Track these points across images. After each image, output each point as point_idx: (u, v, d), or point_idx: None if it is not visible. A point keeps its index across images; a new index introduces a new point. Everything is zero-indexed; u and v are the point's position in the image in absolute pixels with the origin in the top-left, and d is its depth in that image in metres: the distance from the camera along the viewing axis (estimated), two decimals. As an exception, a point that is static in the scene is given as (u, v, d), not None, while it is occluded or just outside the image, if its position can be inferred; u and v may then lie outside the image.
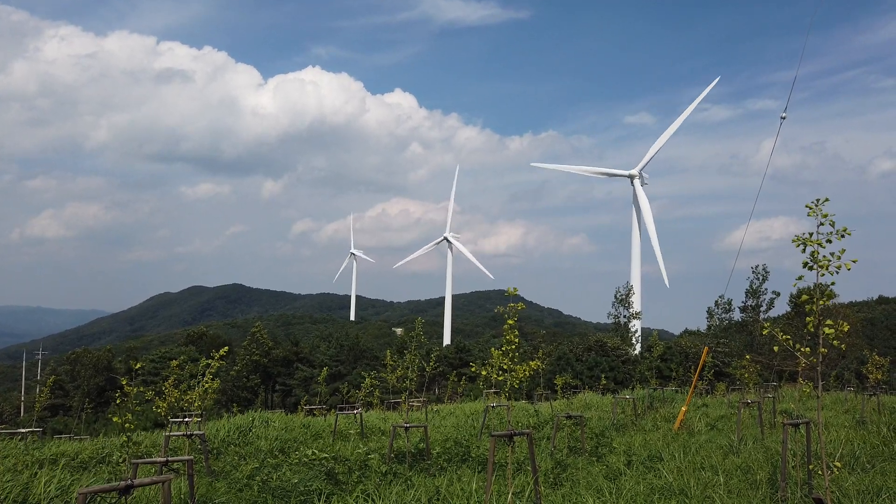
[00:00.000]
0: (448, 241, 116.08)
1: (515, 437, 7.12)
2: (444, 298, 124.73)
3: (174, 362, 8.93)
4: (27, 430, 15.55)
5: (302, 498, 7.94)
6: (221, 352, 8.83)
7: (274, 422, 13.92)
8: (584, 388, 32.78)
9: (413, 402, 18.26)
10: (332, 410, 19.46)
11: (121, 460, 10.04)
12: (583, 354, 50.12)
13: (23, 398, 60.97)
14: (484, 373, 7.45)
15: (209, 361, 8.79)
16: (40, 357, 79.85)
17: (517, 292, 7.61)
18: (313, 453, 9.61)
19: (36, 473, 6.80)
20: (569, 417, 12.42)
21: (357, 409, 15.74)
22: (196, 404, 8.95)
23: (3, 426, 24.40)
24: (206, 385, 8.99)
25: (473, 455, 10.44)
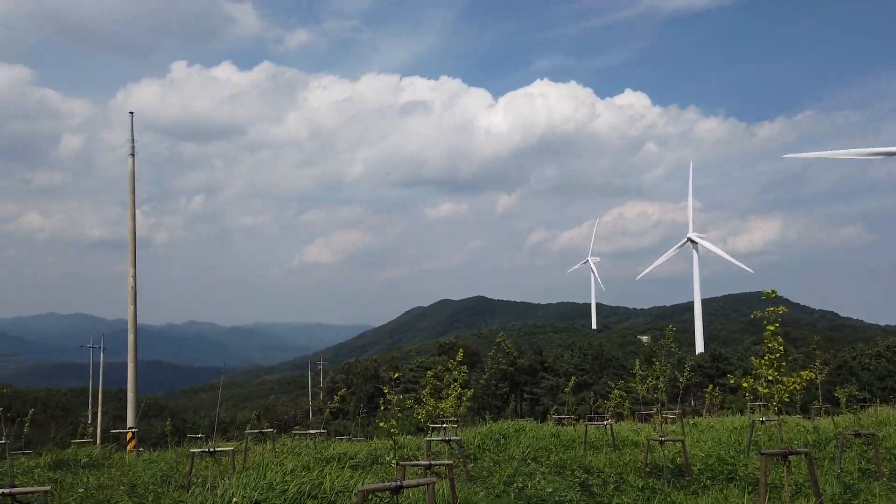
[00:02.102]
0: (692, 241, 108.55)
1: (791, 457, 6.32)
2: (691, 303, 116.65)
3: (430, 372, 9.57)
4: (315, 431, 17.89)
5: (557, 508, 7.93)
6: (459, 357, 9.33)
7: (526, 430, 14.18)
8: (876, 402, 28.14)
9: (667, 414, 17.29)
10: (581, 420, 19.24)
11: (391, 462, 11.02)
12: (870, 363, 43.16)
13: (310, 403, 70.39)
14: (746, 384, 6.76)
15: (456, 372, 9.27)
16: (321, 367, 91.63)
17: (775, 295, 6.79)
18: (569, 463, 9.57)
19: (323, 470, 7.75)
20: (857, 435, 10.71)
21: (607, 419, 15.36)
22: (450, 411, 9.48)
23: (297, 427, 28.41)
24: (457, 392, 9.50)
25: (741, 474, 9.51)
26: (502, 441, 13.13)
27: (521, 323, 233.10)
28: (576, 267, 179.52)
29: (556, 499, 8.13)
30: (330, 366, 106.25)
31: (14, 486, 4.92)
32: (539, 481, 8.94)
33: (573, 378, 23.01)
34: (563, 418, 21.20)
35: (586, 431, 13.72)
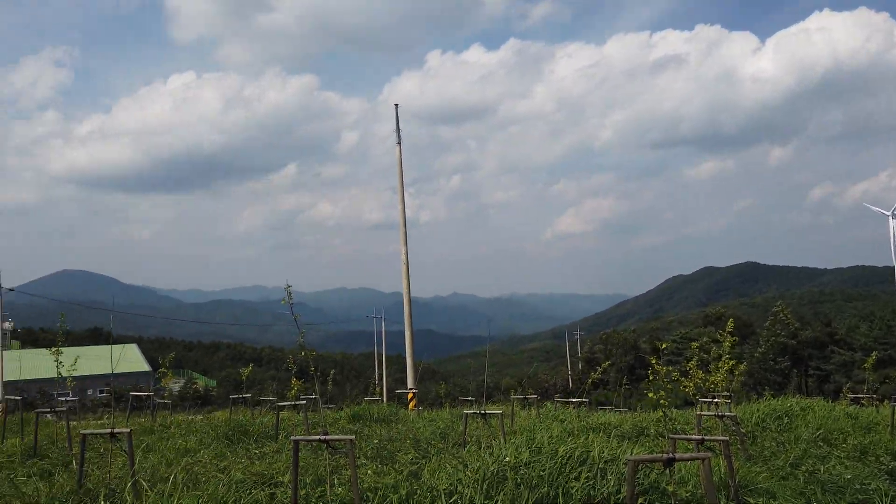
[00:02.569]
0: None
1: None
2: None
3: (694, 344, 9.01)
4: (577, 400, 18.05)
5: (859, 497, 6.95)
6: (728, 327, 8.58)
7: (814, 409, 12.65)
8: None
9: None
10: (885, 401, 16.60)
11: (658, 434, 10.67)
12: None
13: (570, 372, 71.19)
14: None
15: (726, 344, 8.58)
16: (578, 337, 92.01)
17: None
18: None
19: (588, 438, 7.80)
20: None
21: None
22: (721, 386, 8.83)
23: (557, 395, 28.99)
24: (728, 365, 8.80)
25: None
26: (785, 420, 11.88)
27: (803, 290, 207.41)
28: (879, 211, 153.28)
29: (857, 486, 7.12)
30: (587, 336, 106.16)
31: (327, 434, 5.78)
32: (834, 466, 7.92)
33: (874, 353, 19.84)
34: (861, 398, 18.46)
35: (894, 413, 11.76)
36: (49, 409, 12.34)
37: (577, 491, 5.47)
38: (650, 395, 5.89)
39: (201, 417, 16.94)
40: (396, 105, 28.60)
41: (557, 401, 19.93)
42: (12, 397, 14.82)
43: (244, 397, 16.38)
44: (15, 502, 6.63)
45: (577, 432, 9.21)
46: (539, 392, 34.35)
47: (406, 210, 27.73)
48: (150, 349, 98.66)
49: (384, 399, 29.80)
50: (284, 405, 13.08)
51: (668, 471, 5.18)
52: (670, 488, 5.34)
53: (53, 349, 8.58)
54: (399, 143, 27.93)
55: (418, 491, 5.53)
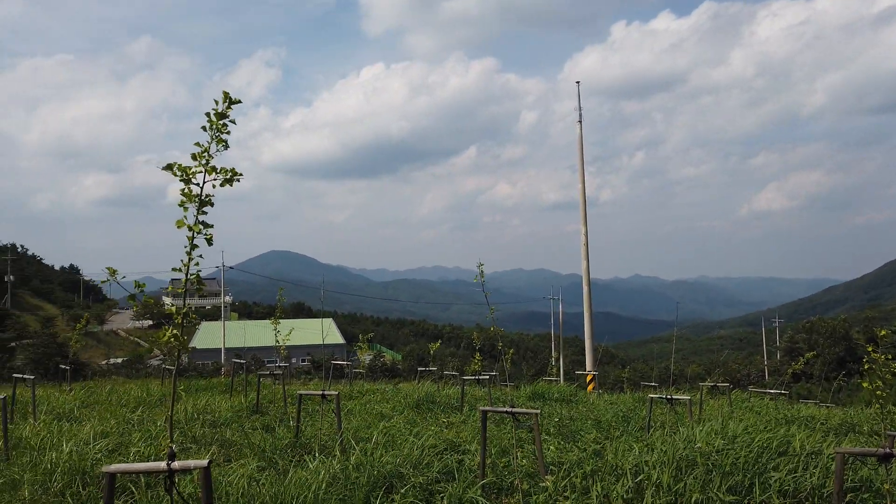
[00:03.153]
0: None
1: None
2: None
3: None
4: (775, 391, 16.71)
5: None
6: None
7: None
8: None
9: None
10: None
11: (872, 432, 9.59)
12: None
13: (766, 362, 65.60)
14: None
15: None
16: (777, 325, 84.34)
17: None
18: None
19: (789, 429, 7.26)
20: None
21: None
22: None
23: (751, 386, 26.95)
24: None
25: None
26: None
27: None
28: None
29: None
30: (787, 323, 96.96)
31: (514, 407, 6.02)
32: None
33: None
34: None
35: None
36: (269, 373, 14.08)
37: (775, 482, 5.16)
38: (864, 384, 5.35)
39: (391, 387, 18.22)
40: (578, 82, 28.16)
41: (751, 391, 18.59)
42: (238, 360, 17.06)
43: (430, 370, 17.33)
44: (245, 450, 7.73)
45: (773, 424, 8.58)
46: (731, 382, 32.20)
47: (586, 189, 27.30)
48: (344, 323, 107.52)
49: (561, 380, 29.77)
50: (468, 379, 13.67)
51: (883, 468, 4.70)
52: (886, 487, 4.83)
53: (273, 319, 9.79)
54: (580, 121, 27.52)
55: (603, 468, 5.56)
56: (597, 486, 5.13)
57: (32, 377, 11.37)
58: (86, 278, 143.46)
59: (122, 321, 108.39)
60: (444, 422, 10.03)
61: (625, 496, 4.93)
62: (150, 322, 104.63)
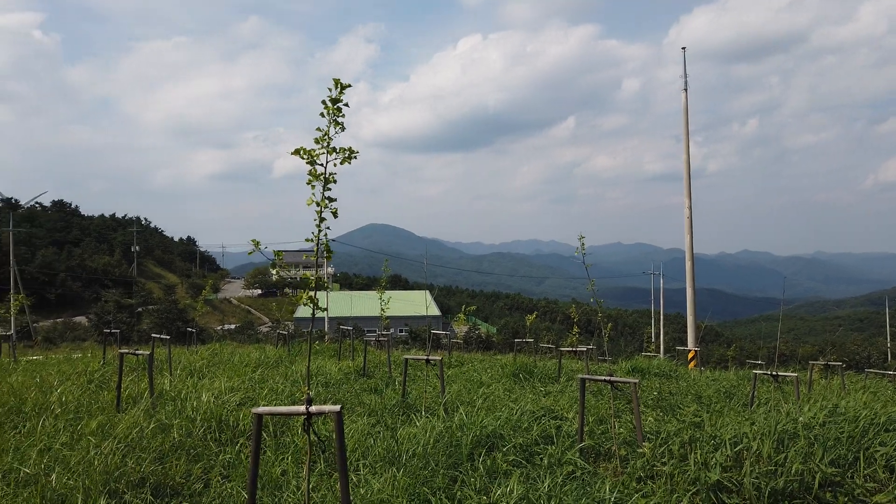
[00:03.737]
0: None
1: None
2: None
3: None
4: (893, 373, 15.78)
5: None
6: None
7: None
8: None
9: None
10: None
11: None
12: None
13: (888, 344, 61.09)
14: None
15: None
16: (902, 304, 77.98)
17: None
18: None
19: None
20: None
21: None
22: None
23: (870, 369, 25.37)
24: None
25: None
26: None
27: None
28: None
29: None
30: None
31: (612, 376, 6.19)
32: None
33: None
34: None
35: None
36: (375, 339, 14.88)
37: (881, 456, 5.06)
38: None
39: (488, 357, 18.66)
40: (683, 48, 27.08)
41: (869, 372, 17.59)
42: (346, 327, 18.02)
43: (527, 341, 17.61)
44: (357, 408, 8.34)
45: (889, 404, 8.24)
46: (846, 362, 30.37)
47: (691, 160, 26.37)
48: (440, 296, 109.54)
49: (661, 356, 29.20)
50: (565, 350, 13.83)
51: None
52: None
53: (378, 289, 10.36)
54: (685, 89, 26.52)
55: (701, 438, 5.65)
56: (695, 453, 5.24)
57: (168, 337, 12.61)
58: (201, 249, 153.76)
59: (234, 290, 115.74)
60: (541, 391, 10.30)
61: (723, 464, 5.02)
62: (259, 291, 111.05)
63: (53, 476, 4.98)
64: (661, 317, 62.50)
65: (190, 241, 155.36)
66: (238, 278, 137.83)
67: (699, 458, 5.13)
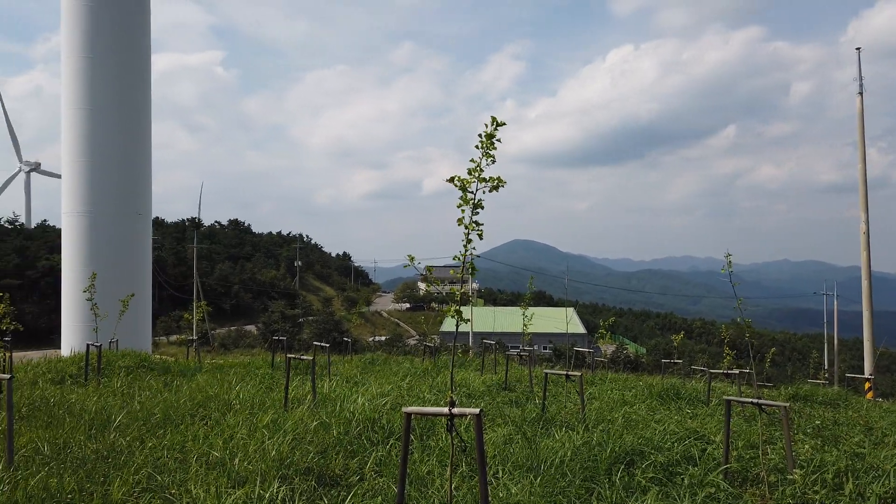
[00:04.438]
0: None
1: None
2: None
3: None
4: None
5: None
6: None
7: None
8: None
9: None
10: None
11: None
12: None
13: None
14: None
15: None
16: None
17: None
18: None
19: None
20: None
21: None
22: None
23: None
24: None
25: None
26: None
27: None
28: None
29: None
30: None
31: (760, 399, 5.98)
32: None
33: None
34: None
35: None
36: (517, 354, 15.14)
37: None
38: None
39: (633, 377, 18.17)
40: (858, 49, 24.85)
41: None
42: (489, 341, 18.44)
43: (675, 362, 16.97)
44: (498, 419, 8.64)
45: None
46: None
47: (869, 168, 24.06)
48: (585, 313, 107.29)
49: (834, 384, 26.65)
50: (715, 373, 13.21)
51: None
52: None
53: (522, 305, 10.63)
54: (860, 93, 24.32)
55: (860, 468, 5.30)
56: (851, 483, 4.95)
57: (328, 345, 13.74)
58: (355, 264, 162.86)
59: (384, 303, 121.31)
60: (688, 413, 9.99)
61: (882, 495, 4.70)
62: (408, 305, 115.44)
63: (236, 461, 5.77)
64: (836, 341, 56.78)
65: (345, 257, 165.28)
66: (388, 292, 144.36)
67: (855, 488, 4.84)
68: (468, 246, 4.16)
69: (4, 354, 10.45)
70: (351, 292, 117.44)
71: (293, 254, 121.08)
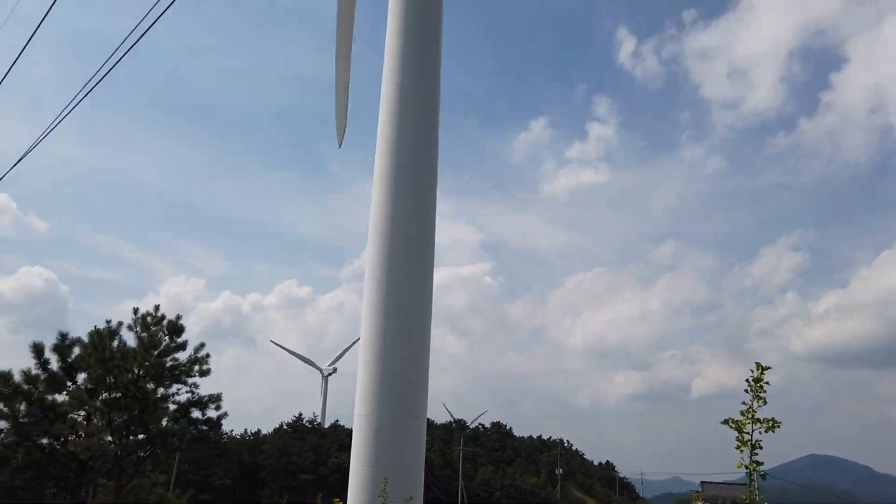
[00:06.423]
0: None
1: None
2: None
3: None
4: None
5: None
6: None
7: None
8: None
9: None
10: None
11: None
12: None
13: None
14: None
15: None
16: None
17: None
18: None
19: None
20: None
21: None
22: None
23: None
24: None
25: None
26: None
27: None
28: None
29: None
30: None
31: None
32: None
33: None
34: None
35: None
36: None
37: None
38: None
39: None
40: None
41: None
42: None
43: None
44: None
45: None
46: None
47: None
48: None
49: None
50: None
51: None
52: None
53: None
54: None
55: None
56: None
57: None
58: (620, 475, 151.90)
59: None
60: None
61: None
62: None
63: None
64: None
65: (609, 466, 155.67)
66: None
67: None
68: (751, 486, 4.01)
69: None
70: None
71: (553, 459, 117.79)
